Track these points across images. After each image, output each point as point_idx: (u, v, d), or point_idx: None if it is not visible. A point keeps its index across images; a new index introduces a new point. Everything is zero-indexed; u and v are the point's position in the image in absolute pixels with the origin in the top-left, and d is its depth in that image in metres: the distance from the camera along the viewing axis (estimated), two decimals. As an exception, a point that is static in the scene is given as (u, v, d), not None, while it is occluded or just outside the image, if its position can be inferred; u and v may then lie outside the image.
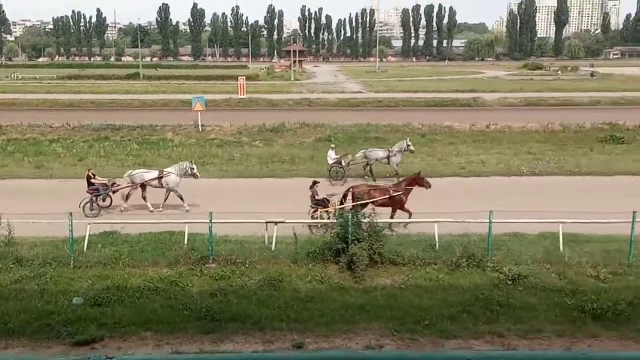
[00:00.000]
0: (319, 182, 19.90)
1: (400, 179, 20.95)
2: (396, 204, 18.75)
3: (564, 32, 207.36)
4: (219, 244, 16.16)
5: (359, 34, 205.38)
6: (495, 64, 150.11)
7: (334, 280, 14.23)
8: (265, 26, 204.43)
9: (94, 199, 20.44)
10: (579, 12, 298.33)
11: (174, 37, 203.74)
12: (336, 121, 38.59)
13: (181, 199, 20.81)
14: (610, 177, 25.66)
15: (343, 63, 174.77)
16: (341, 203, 18.65)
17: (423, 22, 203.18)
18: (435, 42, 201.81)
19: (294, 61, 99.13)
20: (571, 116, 40.19)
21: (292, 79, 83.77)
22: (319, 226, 18.07)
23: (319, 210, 18.84)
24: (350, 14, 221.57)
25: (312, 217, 18.58)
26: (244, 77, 59.39)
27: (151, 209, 20.73)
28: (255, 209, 17.99)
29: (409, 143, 26.26)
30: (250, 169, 28.05)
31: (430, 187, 19.25)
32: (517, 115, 42.30)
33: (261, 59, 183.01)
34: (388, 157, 25.67)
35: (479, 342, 11.36)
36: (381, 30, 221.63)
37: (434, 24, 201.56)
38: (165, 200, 21.17)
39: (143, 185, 21.09)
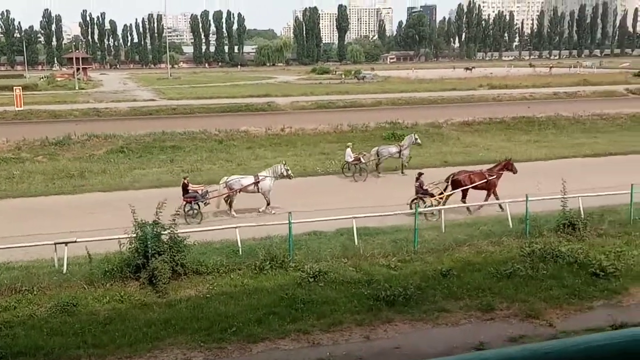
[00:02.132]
0: (423, 173, 21.17)
1: (492, 165, 22.22)
2: (491, 186, 20.78)
3: (346, 38, 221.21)
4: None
5: (148, 40, 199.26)
6: (285, 69, 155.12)
7: (135, 297, 13.60)
8: (42, 32, 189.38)
9: (194, 205, 20.33)
10: (358, 19, 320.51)
11: None
12: (129, 131, 37.00)
13: (268, 203, 20.99)
14: (393, 172, 27.80)
15: (132, 70, 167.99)
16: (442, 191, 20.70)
17: (213, 28, 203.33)
18: (226, 48, 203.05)
19: (78, 69, 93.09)
20: (357, 117, 42.96)
21: (77, 88, 78.53)
22: (434, 213, 19.67)
23: (429, 198, 20.34)
24: (136, 19, 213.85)
25: (411, 207, 19.25)
26: (20, 87, 54.45)
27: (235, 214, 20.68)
28: (42, 229, 16.58)
29: (417, 137, 28.17)
30: (34, 187, 25.77)
31: (516, 172, 21.39)
32: (309, 117, 44.14)
33: (40, 67, 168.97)
34: (400, 152, 27.23)
35: (286, 342, 11.63)
36: (170, 36, 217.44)
37: (224, 30, 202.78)
38: (268, 203, 21.00)
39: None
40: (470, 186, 20.93)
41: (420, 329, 12.13)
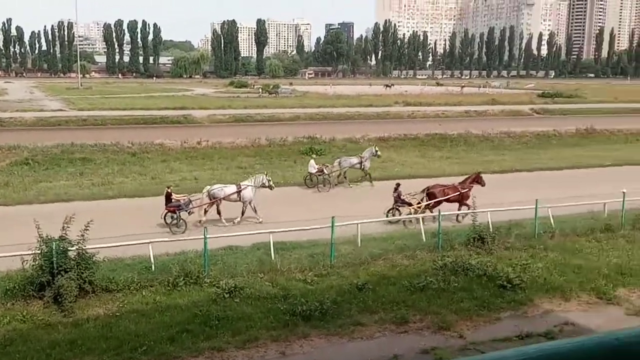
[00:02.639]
0: (401, 184, 22.48)
1: (465, 177, 23.86)
2: (464, 198, 22.04)
3: (264, 52, 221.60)
4: None
5: (57, 48, 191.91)
6: (203, 81, 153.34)
7: (38, 317, 12.92)
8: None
9: (179, 214, 20.42)
10: (277, 34, 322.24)
11: None
12: (35, 142, 35.36)
13: (255, 210, 21.51)
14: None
15: (40, 79, 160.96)
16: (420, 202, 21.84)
17: (127, 37, 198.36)
18: (141, 59, 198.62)
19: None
20: (275, 131, 43.00)
21: (-21, 96, 74.36)
22: (411, 221, 20.78)
23: (407, 207, 21.64)
24: (45, 26, 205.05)
25: (387, 215, 21.05)
26: None
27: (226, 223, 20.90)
28: None
29: (377, 149, 29.60)
30: None
31: (484, 185, 22.97)
32: (226, 131, 43.73)
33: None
34: (361, 163, 28.37)
35: (200, 360, 11.37)
36: (82, 44, 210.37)
37: (139, 40, 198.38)
38: (243, 214, 21.47)
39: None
40: (444, 199, 22.20)
41: (336, 343, 12.19)
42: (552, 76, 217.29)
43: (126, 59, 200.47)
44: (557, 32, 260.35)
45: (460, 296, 14.31)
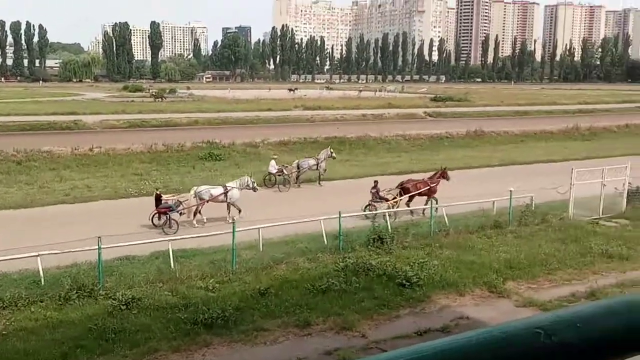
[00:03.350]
0: (378, 181, 23.66)
1: (433, 173, 25.28)
2: (431, 192, 23.76)
3: (160, 56, 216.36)
4: None
5: None
6: (94, 85, 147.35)
7: None
8: None
9: (169, 215, 20.96)
10: (172, 37, 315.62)
11: None
12: None
13: (239, 210, 22.19)
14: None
15: None
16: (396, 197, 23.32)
17: (10, 39, 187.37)
18: (26, 62, 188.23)
19: None
20: (173, 136, 41.94)
21: None
22: (374, 216, 21.25)
23: (385, 202, 22.80)
24: None
25: (365, 211, 22.17)
26: None
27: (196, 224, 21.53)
28: None
29: (332, 151, 31.18)
30: None
31: (449, 179, 24.74)
32: (120, 137, 42.22)
33: None
34: (317, 165, 29.63)
35: (96, 376, 10.88)
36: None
37: (23, 42, 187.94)
38: (229, 213, 22.29)
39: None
40: (416, 193, 23.77)
41: (239, 350, 12.06)
42: (443, 80, 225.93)
43: (9, 61, 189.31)
44: (447, 38, 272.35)
45: (361, 296, 14.57)
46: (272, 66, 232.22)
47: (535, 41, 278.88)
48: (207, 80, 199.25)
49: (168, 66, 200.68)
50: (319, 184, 29.88)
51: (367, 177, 31.94)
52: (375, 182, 23.79)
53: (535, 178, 28.45)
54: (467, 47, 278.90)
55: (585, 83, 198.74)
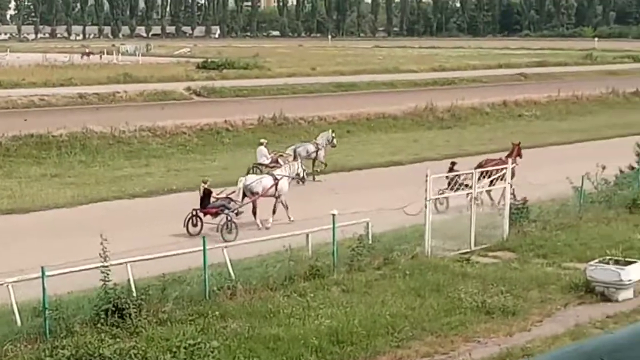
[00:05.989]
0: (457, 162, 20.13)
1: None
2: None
3: None
4: None
5: None
6: None
7: None
8: None
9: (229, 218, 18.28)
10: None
11: None
12: None
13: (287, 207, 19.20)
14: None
15: None
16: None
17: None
18: None
19: None
20: None
21: None
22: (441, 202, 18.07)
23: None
24: None
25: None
26: None
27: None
28: None
29: (334, 135, 27.45)
30: None
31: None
32: None
33: None
34: (317, 151, 26.34)
35: None
36: None
37: None
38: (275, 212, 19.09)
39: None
40: (496, 176, 19.41)
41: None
42: (216, 35, 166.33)
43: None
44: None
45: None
46: None
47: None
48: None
49: None
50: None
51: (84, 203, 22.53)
52: (452, 162, 20.26)
53: (372, 192, 21.44)
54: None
55: (441, 38, 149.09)
